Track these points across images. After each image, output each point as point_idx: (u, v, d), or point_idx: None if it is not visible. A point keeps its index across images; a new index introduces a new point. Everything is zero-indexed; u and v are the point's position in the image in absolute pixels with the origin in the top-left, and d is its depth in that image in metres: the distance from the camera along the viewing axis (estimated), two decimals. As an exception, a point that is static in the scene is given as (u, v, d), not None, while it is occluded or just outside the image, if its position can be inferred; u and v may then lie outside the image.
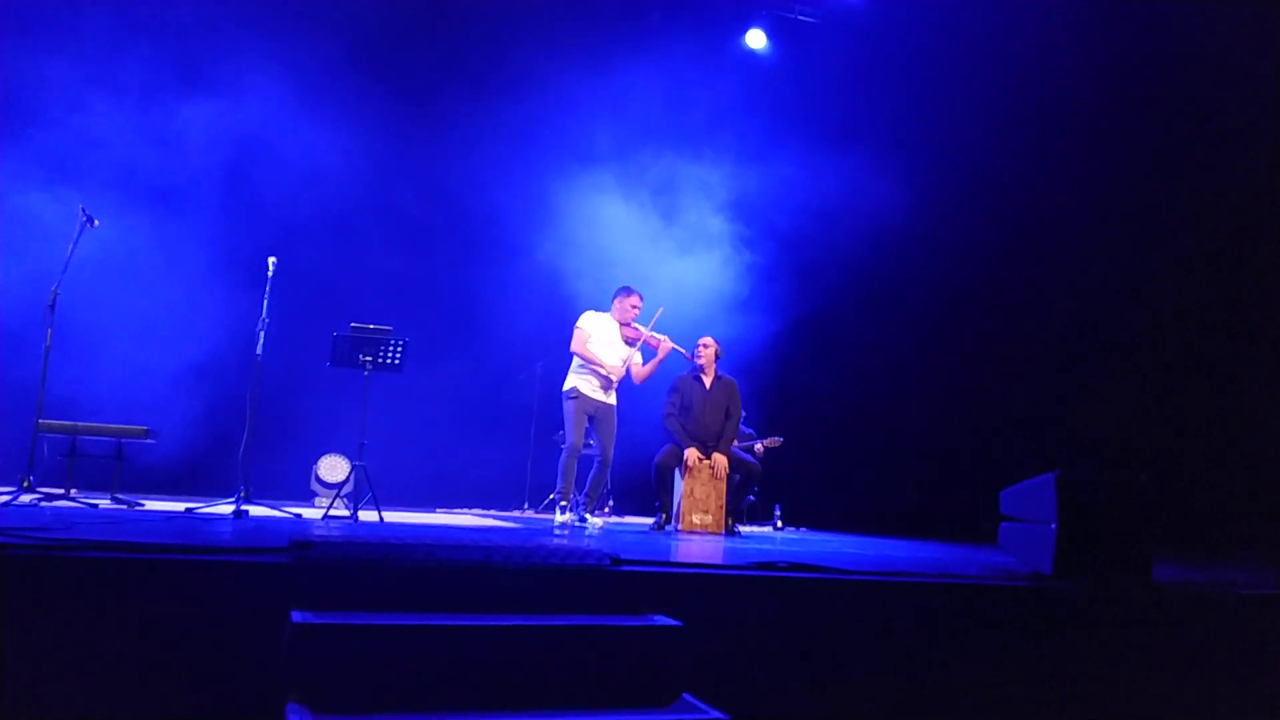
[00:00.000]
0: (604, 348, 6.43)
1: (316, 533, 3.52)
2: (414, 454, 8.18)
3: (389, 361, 5.88)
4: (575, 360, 6.44)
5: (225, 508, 5.39)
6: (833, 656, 3.21)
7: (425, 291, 8.57)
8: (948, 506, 8.29)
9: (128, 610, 2.60)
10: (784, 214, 8.92)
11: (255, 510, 5.42)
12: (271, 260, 5.71)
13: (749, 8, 9.55)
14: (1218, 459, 7.79)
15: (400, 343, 5.91)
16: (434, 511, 7.59)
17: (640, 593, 3.05)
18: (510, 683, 2.59)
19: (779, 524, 8.32)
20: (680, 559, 3.72)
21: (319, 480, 7.63)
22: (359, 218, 8.48)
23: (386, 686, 2.49)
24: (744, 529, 7.48)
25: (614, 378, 6.42)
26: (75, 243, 5.52)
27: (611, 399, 6.45)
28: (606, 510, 8.30)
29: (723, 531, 6.42)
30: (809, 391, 9.12)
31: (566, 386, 6.41)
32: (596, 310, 6.62)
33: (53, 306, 5.36)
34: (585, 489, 6.49)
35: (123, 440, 6.07)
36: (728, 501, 6.51)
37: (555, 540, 4.08)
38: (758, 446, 8.13)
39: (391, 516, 5.87)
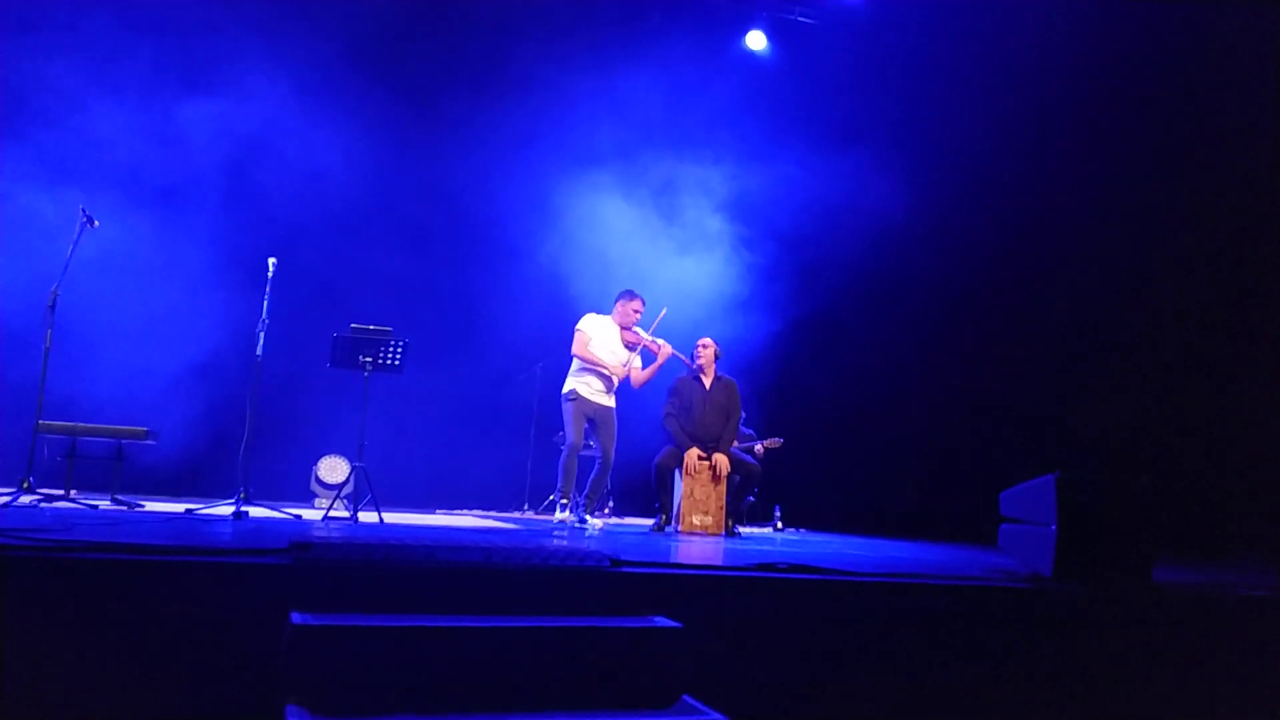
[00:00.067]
0: (604, 351, 6.44)
1: (316, 534, 3.52)
2: (414, 455, 8.19)
3: (389, 362, 5.88)
4: (575, 363, 6.44)
5: (225, 509, 5.39)
6: (833, 658, 3.20)
7: (425, 292, 8.57)
8: (948, 507, 8.29)
9: (127, 612, 2.60)
10: (784, 214, 8.92)
11: (255, 511, 5.42)
12: (272, 261, 5.71)
13: (749, 9, 9.56)
14: (1218, 459, 7.78)
15: (400, 344, 5.91)
16: (434, 513, 7.59)
17: (640, 594, 3.05)
18: (510, 684, 2.59)
19: (779, 525, 8.32)
20: (680, 560, 3.72)
21: (319, 481, 7.62)
22: (359, 218, 8.48)
23: (386, 688, 2.48)
24: (744, 530, 7.48)
25: (615, 378, 6.42)
26: (75, 243, 5.52)
27: (611, 401, 6.45)
28: (606, 511, 8.30)
29: (723, 533, 6.42)
30: (809, 392, 9.12)
31: (565, 389, 6.41)
32: (597, 312, 6.62)
33: (53, 307, 5.36)
34: (585, 490, 6.48)
35: (123, 441, 6.07)
36: (728, 503, 6.51)
37: (555, 542, 4.08)
38: (758, 447, 8.13)
39: (391, 517, 5.87)
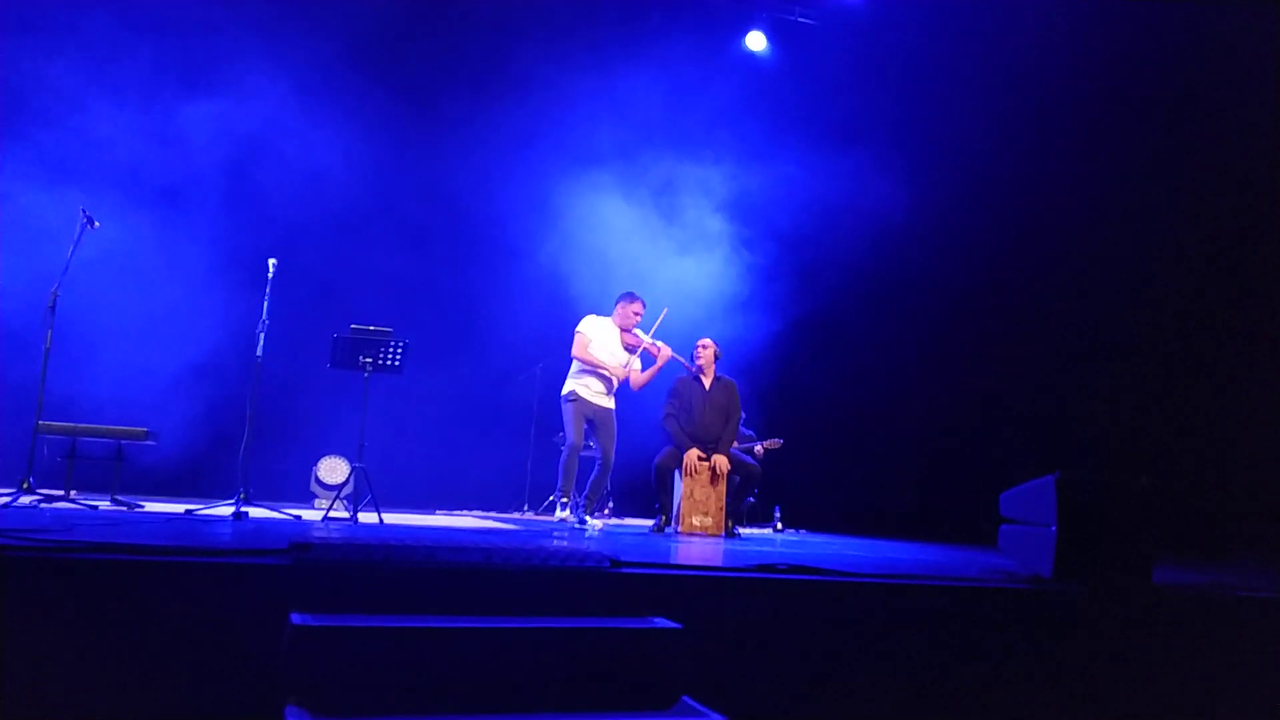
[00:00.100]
0: (604, 352, 6.44)
1: (316, 534, 3.52)
2: (414, 455, 8.18)
3: (389, 363, 5.88)
4: (574, 365, 6.44)
5: (225, 509, 5.39)
6: (833, 659, 3.20)
7: (425, 293, 8.57)
8: (948, 508, 8.29)
9: (127, 612, 2.60)
10: (784, 214, 8.92)
11: (255, 512, 5.42)
12: (272, 262, 5.71)
13: (749, 10, 9.56)
14: (1218, 459, 7.79)
15: (400, 344, 5.91)
16: (434, 513, 7.59)
17: (640, 595, 3.04)
18: (510, 685, 2.59)
19: (779, 526, 8.32)
20: (680, 561, 3.72)
21: (319, 482, 7.62)
22: (359, 219, 8.48)
23: (386, 689, 2.48)
24: (744, 531, 7.47)
25: (615, 379, 6.43)
26: (76, 244, 5.52)
27: (610, 403, 6.45)
28: (606, 512, 8.30)
29: (723, 533, 6.42)
30: (809, 392, 9.12)
31: (565, 391, 6.42)
32: (597, 314, 6.62)
33: (53, 308, 5.36)
34: (585, 492, 6.48)
35: (122, 442, 6.07)
36: (728, 503, 6.51)
37: (555, 542, 4.08)
38: (758, 448, 8.13)
39: (391, 518, 5.87)
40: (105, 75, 7.39)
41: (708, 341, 6.83)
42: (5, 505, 4.82)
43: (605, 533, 6.04)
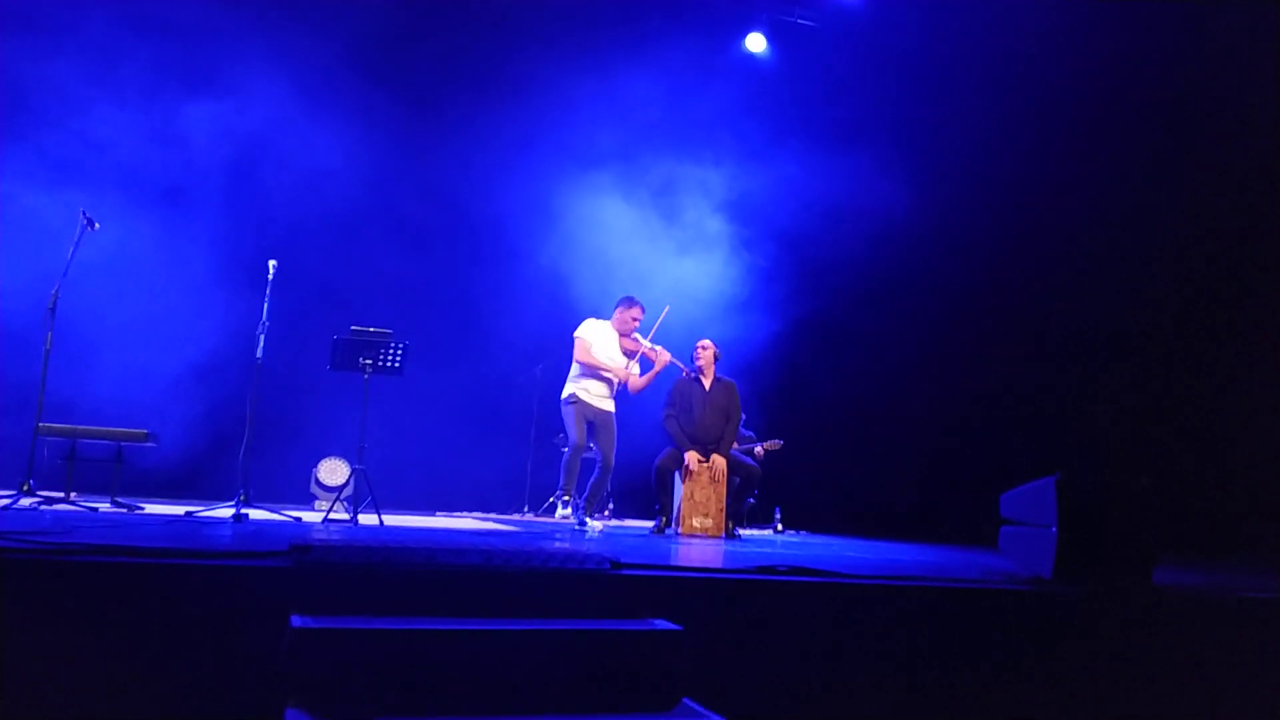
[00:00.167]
0: (603, 356, 6.45)
1: (316, 536, 3.52)
2: (414, 457, 8.18)
3: (389, 365, 5.88)
4: (575, 368, 6.45)
5: (225, 511, 5.39)
6: (834, 660, 3.20)
7: (425, 294, 8.58)
8: (948, 509, 8.29)
9: (127, 614, 2.60)
10: (784, 215, 8.92)
11: (255, 514, 5.42)
12: (272, 263, 5.72)
13: (749, 12, 9.57)
14: (1218, 459, 7.79)
15: (400, 346, 5.91)
16: (434, 515, 7.59)
17: (640, 596, 3.04)
18: (510, 687, 2.59)
19: (779, 527, 8.32)
20: (680, 562, 3.71)
21: (319, 483, 7.62)
22: (360, 221, 8.48)
23: (386, 691, 2.48)
24: (744, 532, 7.47)
25: (617, 380, 6.44)
26: (76, 245, 5.52)
27: (610, 406, 6.46)
28: (606, 514, 8.30)
29: (723, 535, 6.42)
30: (809, 393, 9.12)
31: (565, 394, 6.43)
32: (596, 317, 6.62)
33: (53, 309, 5.37)
34: (585, 494, 6.48)
35: (123, 443, 6.07)
36: (728, 504, 6.51)
37: (555, 544, 4.08)
38: (758, 449, 8.13)
39: (391, 520, 5.86)
40: (106, 76, 7.39)
41: (707, 342, 6.83)
42: (5, 507, 4.82)
43: (605, 534, 6.04)
